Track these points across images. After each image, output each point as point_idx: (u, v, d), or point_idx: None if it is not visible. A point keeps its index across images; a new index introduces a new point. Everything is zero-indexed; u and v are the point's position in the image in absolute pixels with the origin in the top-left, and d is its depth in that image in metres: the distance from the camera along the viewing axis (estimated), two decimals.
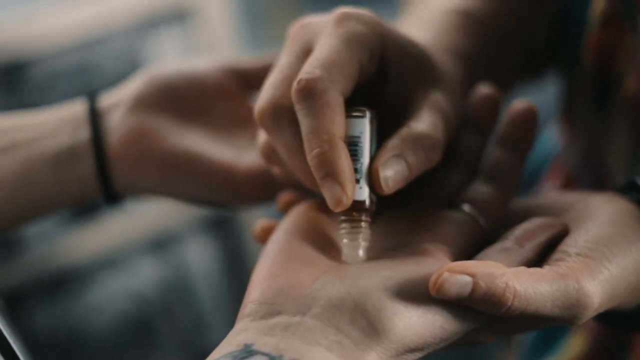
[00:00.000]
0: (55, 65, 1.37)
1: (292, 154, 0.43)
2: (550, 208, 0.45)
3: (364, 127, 0.42)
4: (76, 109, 0.57)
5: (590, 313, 0.39)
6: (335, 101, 0.41)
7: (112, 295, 1.48)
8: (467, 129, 0.48)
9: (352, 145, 0.42)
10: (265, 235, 0.45)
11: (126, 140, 0.55)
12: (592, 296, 0.38)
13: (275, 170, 0.49)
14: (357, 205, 0.41)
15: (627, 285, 0.40)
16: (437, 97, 0.45)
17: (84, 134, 0.56)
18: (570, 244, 0.40)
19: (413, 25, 0.56)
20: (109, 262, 1.48)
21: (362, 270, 0.39)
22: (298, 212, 0.44)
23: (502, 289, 0.37)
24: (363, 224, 0.41)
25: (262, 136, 0.47)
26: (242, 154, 0.55)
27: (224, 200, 0.56)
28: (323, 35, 0.44)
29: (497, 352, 0.79)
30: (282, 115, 0.42)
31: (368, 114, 0.43)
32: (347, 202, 0.40)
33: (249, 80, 0.59)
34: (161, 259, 1.51)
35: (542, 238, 0.41)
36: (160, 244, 1.51)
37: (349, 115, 0.42)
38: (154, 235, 1.49)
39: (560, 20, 0.63)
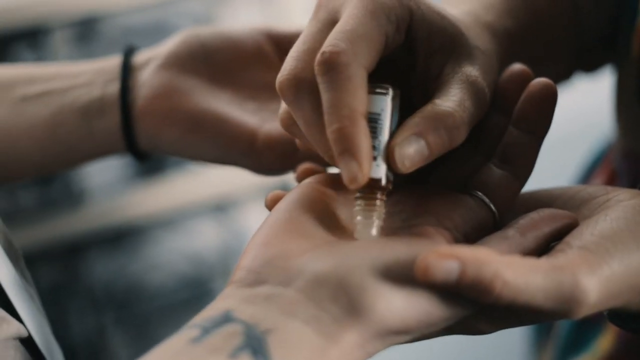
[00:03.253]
0: (129, 21, 1.38)
1: (311, 128, 0.42)
2: (571, 199, 0.43)
3: (386, 104, 0.41)
4: (112, 62, 0.58)
5: (585, 309, 0.37)
6: (359, 76, 0.40)
7: (171, 255, 1.50)
8: (491, 108, 0.47)
9: (372, 122, 0.41)
10: (274, 205, 0.44)
11: (153, 96, 0.55)
12: (588, 292, 0.36)
13: (297, 141, 0.49)
14: (373, 183, 0.40)
15: (632, 285, 0.38)
16: (470, 72, 0.43)
17: (114, 87, 0.56)
18: (576, 237, 0.39)
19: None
20: (170, 222, 1.49)
21: (352, 248, 0.38)
22: (306, 184, 0.44)
23: (490, 277, 0.35)
24: (378, 202, 0.41)
25: (283, 106, 0.47)
26: (268, 121, 0.55)
27: (244, 165, 0.56)
28: (348, 5, 0.42)
29: (534, 349, 0.78)
30: (303, 88, 0.42)
31: (391, 91, 0.42)
32: (362, 180, 0.39)
33: (285, 47, 0.59)
34: (221, 223, 1.52)
35: (546, 229, 0.40)
36: (221, 208, 1.51)
37: (371, 91, 0.41)
38: (215, 199, 1.50)
39: (617, 11, 0.61)
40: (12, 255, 0.49)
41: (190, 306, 1.49)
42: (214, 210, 1.52)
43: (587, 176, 0.75)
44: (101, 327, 1.46)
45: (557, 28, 0.59)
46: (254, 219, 1.54)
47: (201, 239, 1.52)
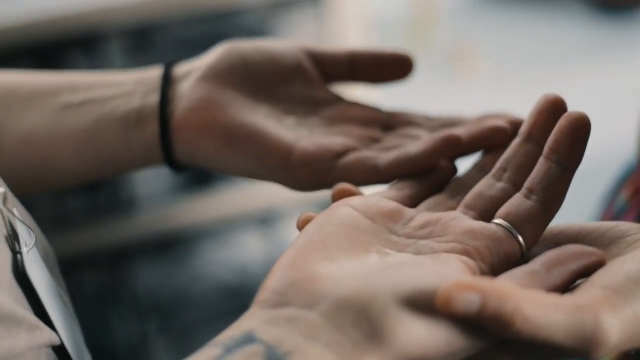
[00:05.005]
0: (184, 33, 1.39)
1: None
2: (602, 236, 0.42)
3: None
4: (153, 73, 0.58)
5: (605, 350, 0.36)
6: None
7: (216, 266, 1.51)
8: (522, 138, 0.46)
9: None
10: (305, 226, 0.44)
11: (191, 108, 0.55)
12: (609, 333, 0.36)
13: None
14: None
15: None
16: None
17: (154, 98, 0.56)
18: (601, 276, 0.38)
19: None
20: (216, 233, 1.50)
21: (377, 273, 0.38)
22: (338, 207, 0.44)
23: (511, 311, 0.35)
24: None
25: None
26: (305, 137, 0.55)
27: (279, 180, 0.56)
28: None
29: None
30: None
31: None
32: None
33: (325, 66, 0.59)
34: (266, 236, 1.52)
35: (573, 266, 0.39)
36: (266, 221, 1.52)
37: None
38: (261, 212, 1.50)
39: None
40: (49, 263, 0.50)
41: (233, 317, 1.49)
42: (260, 223, 1.52)
43: (614, 193, 0.75)
44: (144, 334, 1.47)
45: None
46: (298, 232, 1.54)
47: (246, 251, 1.52)
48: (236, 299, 1.51)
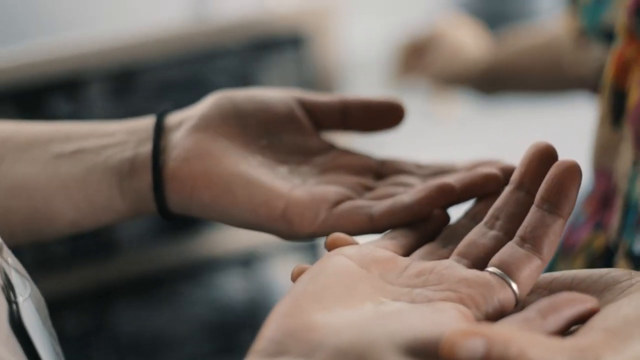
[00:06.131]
0: (166, 76, 1.39)
1: None
2: (595, 283, 0.43)
3: None
4: (145, 122, 0.58)
5: None
6: None
7: (198, 307, 1.50)
8: (514, 186, 0.47)
9: None
10: (299, 276, 0.45)
11: (184, 158, 0.55)
12: None
13: None
14: None
15: None
16: None
17: (146, 148, 0.56)
18: (599, 319, 0.39)
19: None
20: (198, 274, 1.50)
21: (374, 322, 0.39)
22: (332, 257, 0.44)
23: (515, 354, 0.35)
24: None
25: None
26: (298, 186, 0.55)
27: (273, 230, 0.55)
28: None
29: None
30: None
31: None
32: None
33: (317, 114, 0.59)
34: (249, 276, 1.52)
35: (567, 312, 0.40)
36: (248, 262, 1.52)
37: None
38: (244, 252, 1.50)
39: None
40: (42, 312, 0.50)
41: (215, 358, 1.49)
42: (242, 265, 1.52)
43: (575, 210, 0.76)
44: None
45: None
46: (282, 273, 1.55)
47: (228, 293, 1.52)
48: (218, 340, 1.50)
